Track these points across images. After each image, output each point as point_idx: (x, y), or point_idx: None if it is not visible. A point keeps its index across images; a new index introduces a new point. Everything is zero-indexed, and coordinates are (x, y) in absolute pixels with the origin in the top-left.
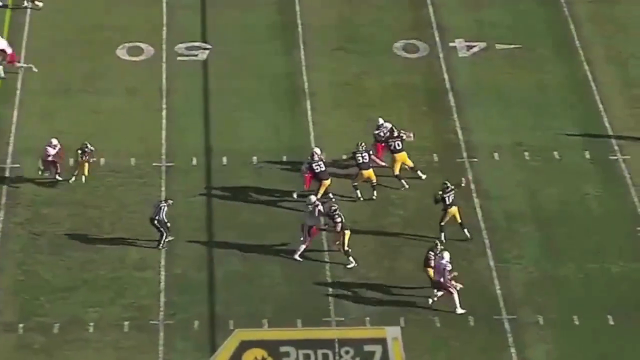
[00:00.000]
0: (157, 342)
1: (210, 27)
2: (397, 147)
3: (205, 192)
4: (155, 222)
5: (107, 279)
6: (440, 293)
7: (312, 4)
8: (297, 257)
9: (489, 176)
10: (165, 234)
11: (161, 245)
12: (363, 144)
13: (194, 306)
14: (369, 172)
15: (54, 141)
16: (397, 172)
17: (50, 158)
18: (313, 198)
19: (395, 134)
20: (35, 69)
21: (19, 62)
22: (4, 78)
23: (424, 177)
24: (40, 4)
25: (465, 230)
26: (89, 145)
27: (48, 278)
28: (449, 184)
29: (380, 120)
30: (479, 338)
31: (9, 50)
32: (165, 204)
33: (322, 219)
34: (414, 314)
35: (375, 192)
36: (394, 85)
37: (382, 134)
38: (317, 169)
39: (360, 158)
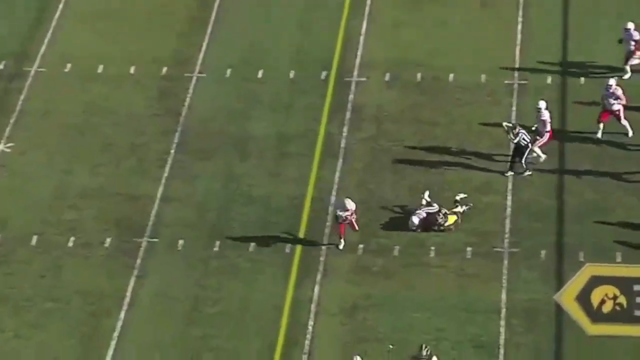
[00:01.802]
0: (501, 271)
1: None
2: None
3: (558, 114)
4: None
5: (452, 201)
6: None
7: None
8: None
9: None
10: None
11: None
12: None
13: (541, 235)
14: None
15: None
16: None
17: (346, 222)
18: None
19: None
20: None
21: None
22: None
23: None
24: None
25: None
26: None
27: (389, 198)
28: None
29: None
30: None
31: None
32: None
33: None
34: None
35: None
36: None
37: None
38: None
39: None
